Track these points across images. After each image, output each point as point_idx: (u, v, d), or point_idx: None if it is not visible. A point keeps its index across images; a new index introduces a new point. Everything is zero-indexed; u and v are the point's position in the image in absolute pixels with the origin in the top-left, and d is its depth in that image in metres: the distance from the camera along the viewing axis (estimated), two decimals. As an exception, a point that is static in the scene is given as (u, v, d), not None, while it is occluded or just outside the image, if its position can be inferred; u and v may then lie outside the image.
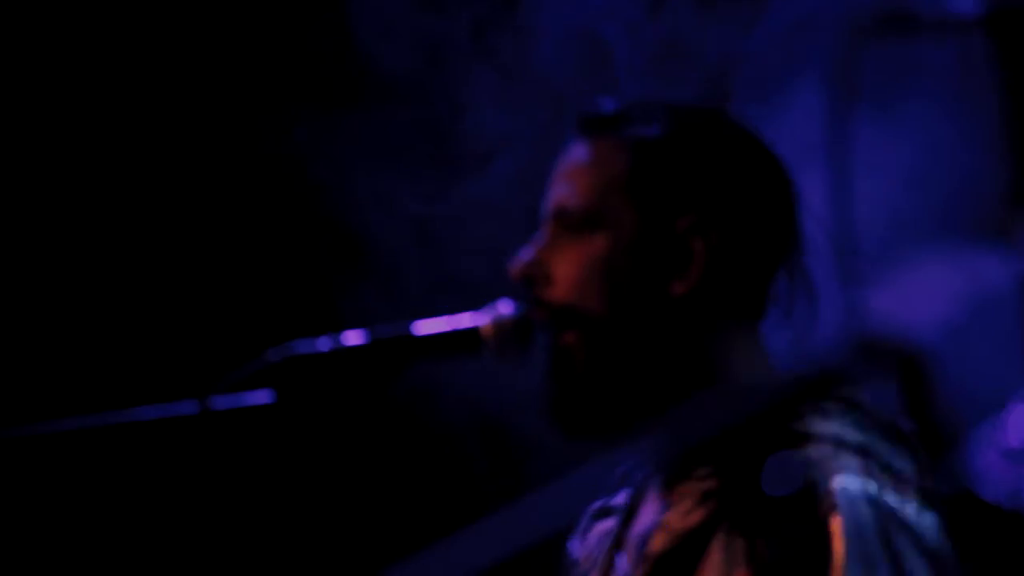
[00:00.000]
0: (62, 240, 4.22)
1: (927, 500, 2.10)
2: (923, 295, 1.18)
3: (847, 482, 2.06)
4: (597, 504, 2.42)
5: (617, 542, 2.35)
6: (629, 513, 2.36)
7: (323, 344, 2.29)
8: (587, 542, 2.43)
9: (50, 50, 4.19)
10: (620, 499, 2.39)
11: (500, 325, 2.32)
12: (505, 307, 2.33)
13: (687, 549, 2.16)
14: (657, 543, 2.22)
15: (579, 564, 2.43)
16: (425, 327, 2.33)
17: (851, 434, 2.12)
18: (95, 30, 4.20)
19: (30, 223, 4.21)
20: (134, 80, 4.22)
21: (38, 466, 3.95)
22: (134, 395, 2.79)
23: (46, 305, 4.22)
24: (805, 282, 2.31)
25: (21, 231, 4.21)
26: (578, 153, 2.35)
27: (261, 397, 2.24)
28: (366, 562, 4.27)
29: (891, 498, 2.07)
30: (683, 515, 2.20)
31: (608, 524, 2.40)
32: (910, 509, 2.08)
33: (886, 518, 2.06)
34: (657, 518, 2.26)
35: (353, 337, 2.31)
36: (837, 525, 2.03)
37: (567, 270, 2.29)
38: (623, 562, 2.31)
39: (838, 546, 2.02)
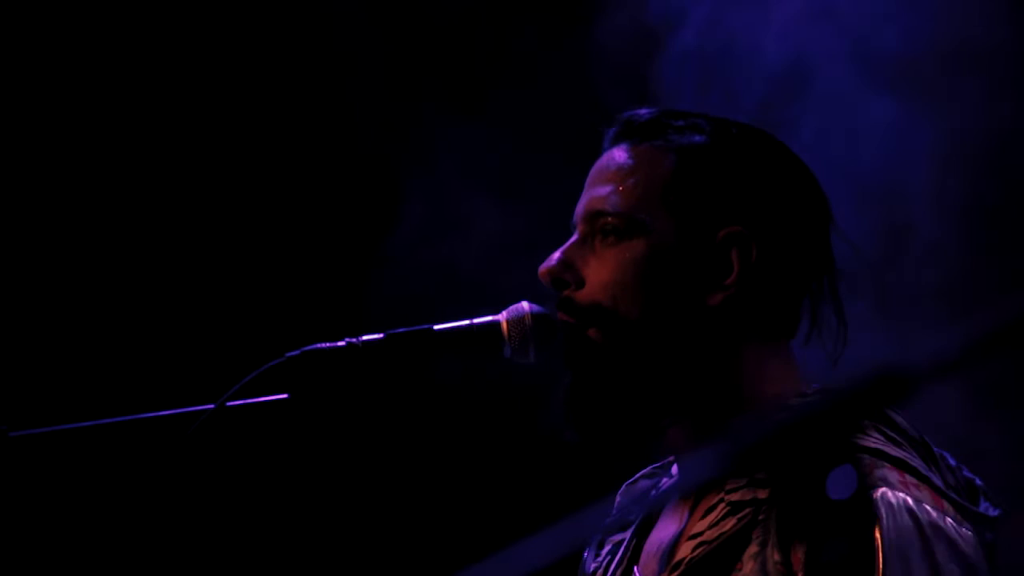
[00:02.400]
0: (88, 243, 4.21)
1: (964, 514, 2.09)
2: None
3: (887, 493, 2.05)
4: (612, 518, 2.41)
5: (634, 555, 2.33)
6: (644, 526, 2.34)
7: (341, 342, 2.26)
8: (600, 554, 2.40)
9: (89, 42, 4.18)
10: (635, 514, 2.37)
11: (520, 322, 2.29)
12: (527, 305, 2.30)
13: (720, 558, 2.14)
14: (685, 551, 2.19)
15: (593, 575, 2.40)
16: (445, 323, 2.30)
17: (891, 449, 2.11)
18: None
19: (50, 223, 4.20)
20: (165, 88, 4.21)
21: (54, 465, 3.93)
22: (155, 395, 2.77)
23: (73, 307, 4.21)
24: (836, 301, 2.29)
25: (43, 231, 4.19)
26: (617, 157, 2.31)
27: (279, 395, 2.22)
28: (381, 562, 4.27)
29: (931, 510, 2.06)
30: (714, 525, 2.17)
31: (620, 536, 2.38)
32: (950, 522, 2.07)
33: (927, 529, 2.05)
34: (678, 528, 2.24)
35: (371, 334, 2.28)
36: (879, 535, 2.02)
37: (601, 273, 2.25)
38: (640, 574, 2.29)
39: (880, 556, 2.01)
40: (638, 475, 2.44)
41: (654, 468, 2.44)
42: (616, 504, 2.44)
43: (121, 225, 4.22)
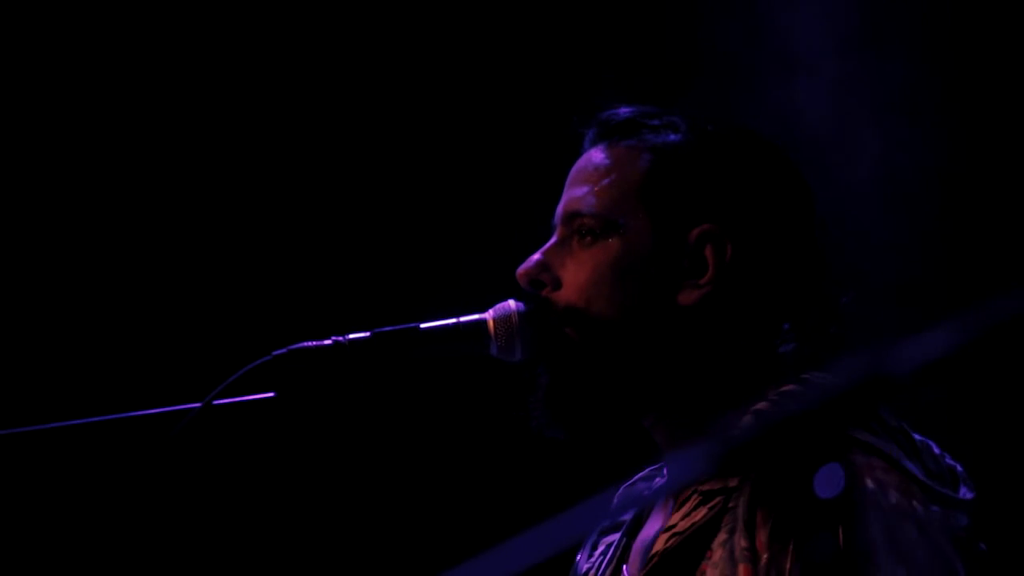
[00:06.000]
0: (81, 241, 4.20)
1: (932, 497, 2.09)
2: None
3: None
4: (606, 521, 2.41)
5: (623, 554, 2.34)
6: (634, 526, 2.35)
7: (328, 340, 2.26)
8: (593, 555, 2.41)
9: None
10: (628, 515, 2.38)
11: (507, 320, 2.30)
12: (513, 304, 2.30)
13: (691, 547, 2.15)
14: (660, 544, 2.20)
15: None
16: (431, 322, 2.30)
17: (860, 434, 2.11)
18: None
19: (45, 220, 4.19)
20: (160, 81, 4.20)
21: (42, 463, 3.93)
22: (141, 393, 2.76)
23: (59, 305, 4.20)
24: (819, 298, 2.29)
25: (37, 229, 4.19)
26: (594, 157, 2.33)
27: (266, 394, 2.22)
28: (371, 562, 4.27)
29: (896, 494, 2.07)
30: (687, 516, 2.18)
31: (614, 537, 2.38)
32: (916, 505, 2.07)
33: (890, 513, 2.05)
34: (662, 524, 2.25)
35: (358, 333, 2.28)
36: (847, 527, 2.01)
37: (577, 274, 2.27)
38: (628, 572, 2.30)
39: (847, 547, 2.01)
40: (635, 477, 2.45)
41: (651, 470, 2.44)
42: (612, 507, 2.44)
43: (111, 224, 4.21)
